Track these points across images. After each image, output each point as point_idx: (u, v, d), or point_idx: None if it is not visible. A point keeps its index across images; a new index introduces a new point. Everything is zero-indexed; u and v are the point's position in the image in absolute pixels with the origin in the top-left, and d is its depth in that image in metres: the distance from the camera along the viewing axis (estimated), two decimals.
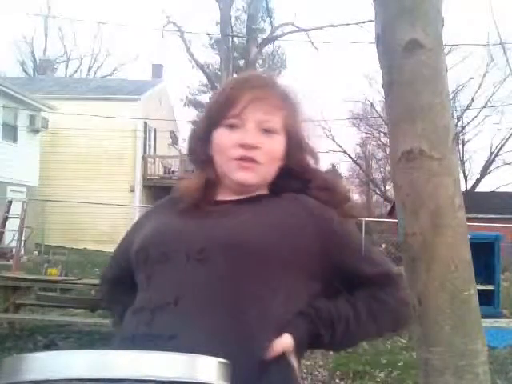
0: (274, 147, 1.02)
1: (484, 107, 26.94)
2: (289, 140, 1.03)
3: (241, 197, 1.03)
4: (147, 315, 0.89)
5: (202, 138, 1.05)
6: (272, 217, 0.98)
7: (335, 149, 34.24)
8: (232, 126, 1.00)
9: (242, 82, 1.04)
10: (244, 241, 0.93)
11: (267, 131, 1.00)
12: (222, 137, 1.01)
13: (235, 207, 1.01)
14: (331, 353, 4.59)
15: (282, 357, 0.89)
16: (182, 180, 1.12)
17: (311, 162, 1.07)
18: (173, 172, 18.49)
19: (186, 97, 33.57)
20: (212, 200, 1.04)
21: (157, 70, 24.24)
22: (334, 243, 0.97)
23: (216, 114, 1.02)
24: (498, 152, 29.69)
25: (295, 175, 1.05)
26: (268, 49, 24.56)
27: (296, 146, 1.04)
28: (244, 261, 0.92)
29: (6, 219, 8.32)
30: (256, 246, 0.93)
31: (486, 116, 28.72)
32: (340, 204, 1.02)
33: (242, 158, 0.99)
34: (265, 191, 1.05)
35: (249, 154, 0.98)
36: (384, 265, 1.02)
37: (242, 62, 23.05)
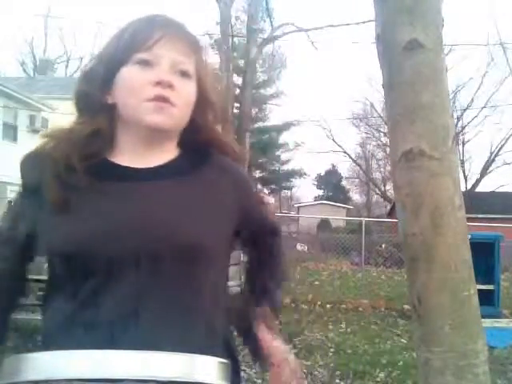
0: (190, 91, 0.91)
1: (484, 107, 26.97)
2: (198, 89, 0.93)
3: (159, 163, 0.91)
4: (105, 332, 0.77)
5: (101, 79, 0.90)
6: (206, 199, 0.91)
7: (335, 149, 34.37)
8: (144, 63, 0.87)
9: (150, 19, 0.92)
10: (196, 244, 0.86)
11: (182, 74, 0.89)
12: (134, 74, 0.87)
13: (161, 183, 0.89)
14: (331, 353, 4.60)
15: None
16: (53, 130, 0.95)
17: (210, 117, 0.98)
18: None
19: None
20: (108, 162, 0.91)
21: None
22: (250, 205, 1.01)
23: (123, 50, 0.88)
24: (498, 152, 29.72)
25: (197, 130, 0.95)
26: (268, 49, 24.59)
27: (203, 97, 0.94)
28: (195, 264, 0.86)
29: None
30: (208, 249, 0.87)
31: (486, 116, 28.80)
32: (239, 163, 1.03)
33: (156, 98, 0.86)
34: (173, 146, 0.95)
35: (165, 94, 0.86)
36: (270, 216, 1.12)
37: (242, 62, 23.02)
